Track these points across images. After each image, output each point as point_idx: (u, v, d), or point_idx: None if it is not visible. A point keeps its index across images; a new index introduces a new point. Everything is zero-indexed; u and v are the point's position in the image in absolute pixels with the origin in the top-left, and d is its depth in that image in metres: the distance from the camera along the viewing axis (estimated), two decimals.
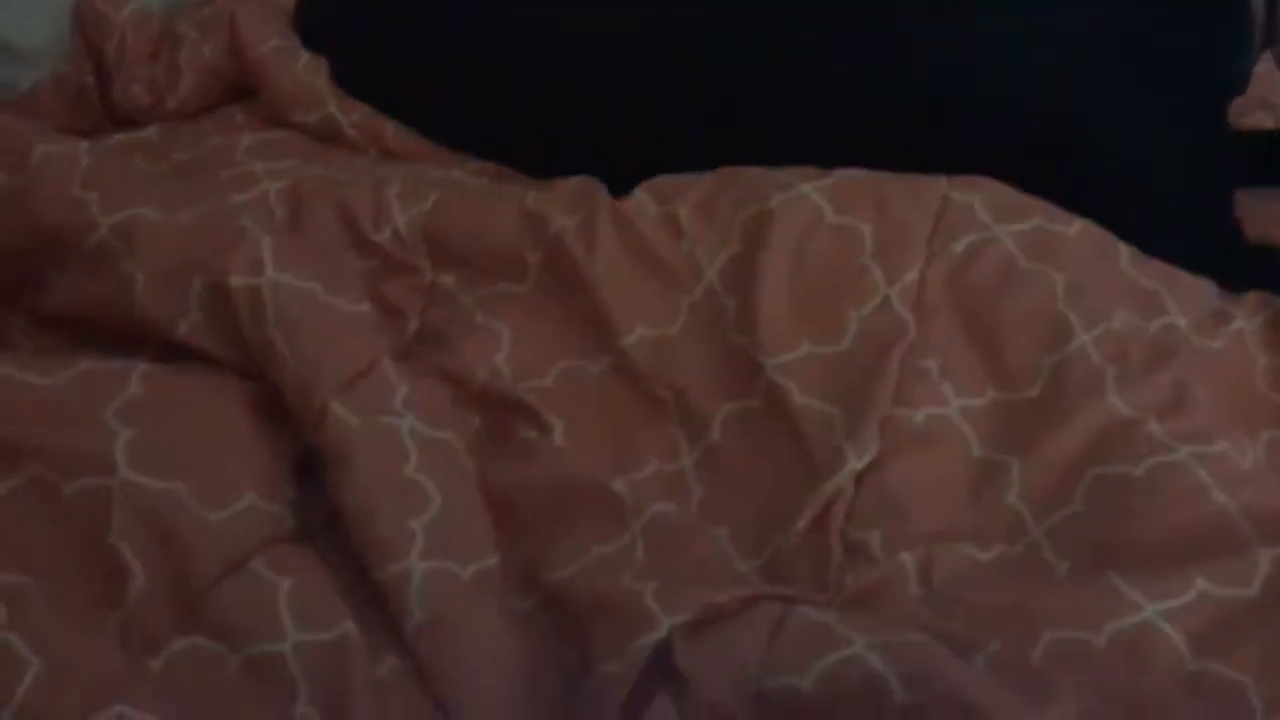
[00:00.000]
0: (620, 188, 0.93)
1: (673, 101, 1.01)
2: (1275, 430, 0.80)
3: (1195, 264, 0.87)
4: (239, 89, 1.17)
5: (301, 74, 1.12)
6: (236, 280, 0.77)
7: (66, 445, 0.70)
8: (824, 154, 0.92)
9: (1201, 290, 0.86)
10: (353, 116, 1.11)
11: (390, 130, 1.11)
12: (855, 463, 0.76)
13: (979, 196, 0.86)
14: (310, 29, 1.18)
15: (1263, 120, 1.12)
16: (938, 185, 0.87)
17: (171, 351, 0.81)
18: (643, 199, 0.90)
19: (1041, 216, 0.85)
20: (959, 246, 0.84)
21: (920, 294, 0.83)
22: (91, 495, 0.68)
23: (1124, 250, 0.86)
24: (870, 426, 0.78)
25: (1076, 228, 0.85)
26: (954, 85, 0.94)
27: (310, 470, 0.77)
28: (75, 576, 0.66)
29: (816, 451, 0.78)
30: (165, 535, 0.67)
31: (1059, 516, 0.74)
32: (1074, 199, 0.88)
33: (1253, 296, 0.87)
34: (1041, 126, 0.92)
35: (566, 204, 0.91)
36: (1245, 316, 0.85)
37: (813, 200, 0.86)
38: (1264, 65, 1.15)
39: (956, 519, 0.76)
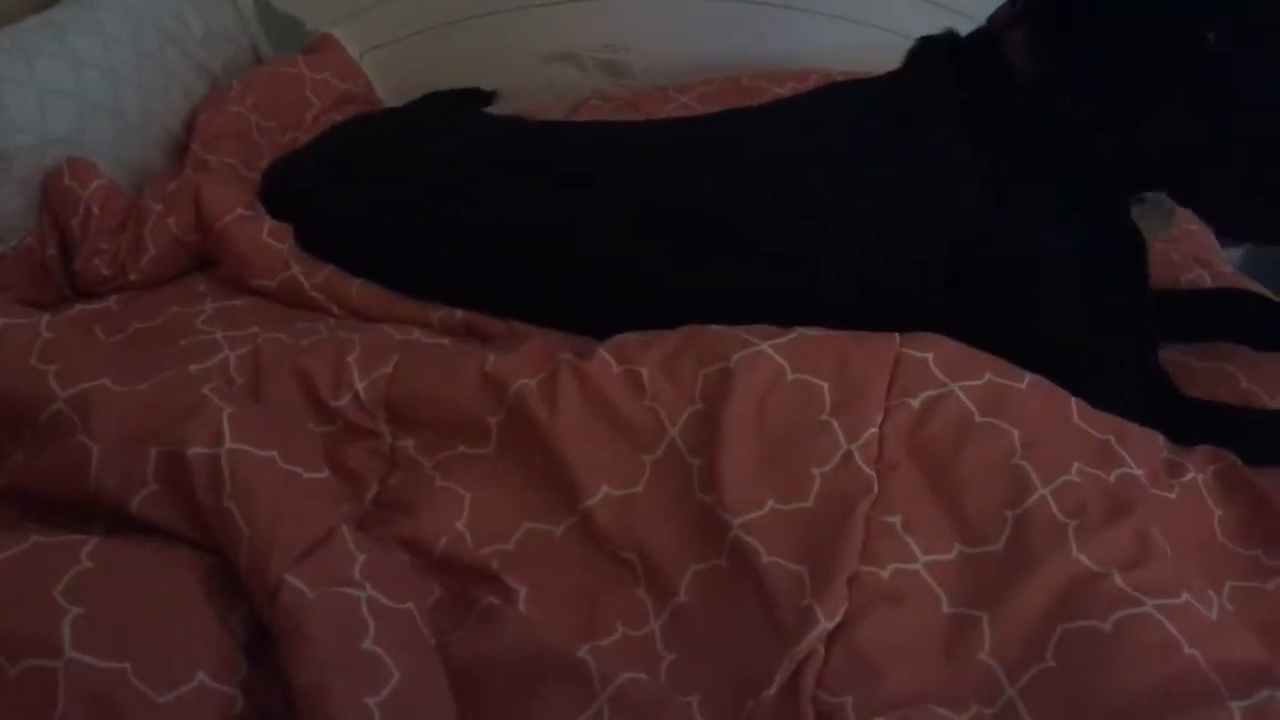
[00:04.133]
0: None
1: (632, 266, 1.02)
2: (1238, 581, 0.80)
3: (1138, 420, 0.88)
4: (201, 258, 1.18)
5: (265, 240, 1.13)
6: (194, 450, 0.76)
7: (12, 625, 0.67)
8: (769, 303, 0.94)
9: (1152, 441, 0.87)
10: (315, 279, 1.12)
11: (355, 289, 1.12)
12: (826, 623, 0.75)
13: (931, 353, 0.87)
14: (274, 197, 1.20)
15: (1201, 277, 1.15)
16: (891, 342, 0.88)
17: (125, 521, 0.79)
18: (604, 357, 0.90)
19: (992, 372, 0.86)
20: (916, 402, 0.85)
21: (881, 449, 0.83)
22: (36, 677, 0.65)
23: (1074, 403, 0.87)
24: (839, 584, 0.77)
25: (1027, 382, 0.87)
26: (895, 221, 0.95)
27: (265, 645, 0.74)
28: None
29: (785, 611, 0.76)
30: (111, 718, 0.64)
31: (1032, 674, 0.73)
32: (1015, 355, 0.89)
33: (1203, 450, 0.89)
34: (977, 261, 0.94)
35: (528, 364, 0.91)
36: (1197, 468, 0.86)
37: (772, 358, 0.87)
38: (1197, 224, 1.21)
39: (930, 679, 0.74)
